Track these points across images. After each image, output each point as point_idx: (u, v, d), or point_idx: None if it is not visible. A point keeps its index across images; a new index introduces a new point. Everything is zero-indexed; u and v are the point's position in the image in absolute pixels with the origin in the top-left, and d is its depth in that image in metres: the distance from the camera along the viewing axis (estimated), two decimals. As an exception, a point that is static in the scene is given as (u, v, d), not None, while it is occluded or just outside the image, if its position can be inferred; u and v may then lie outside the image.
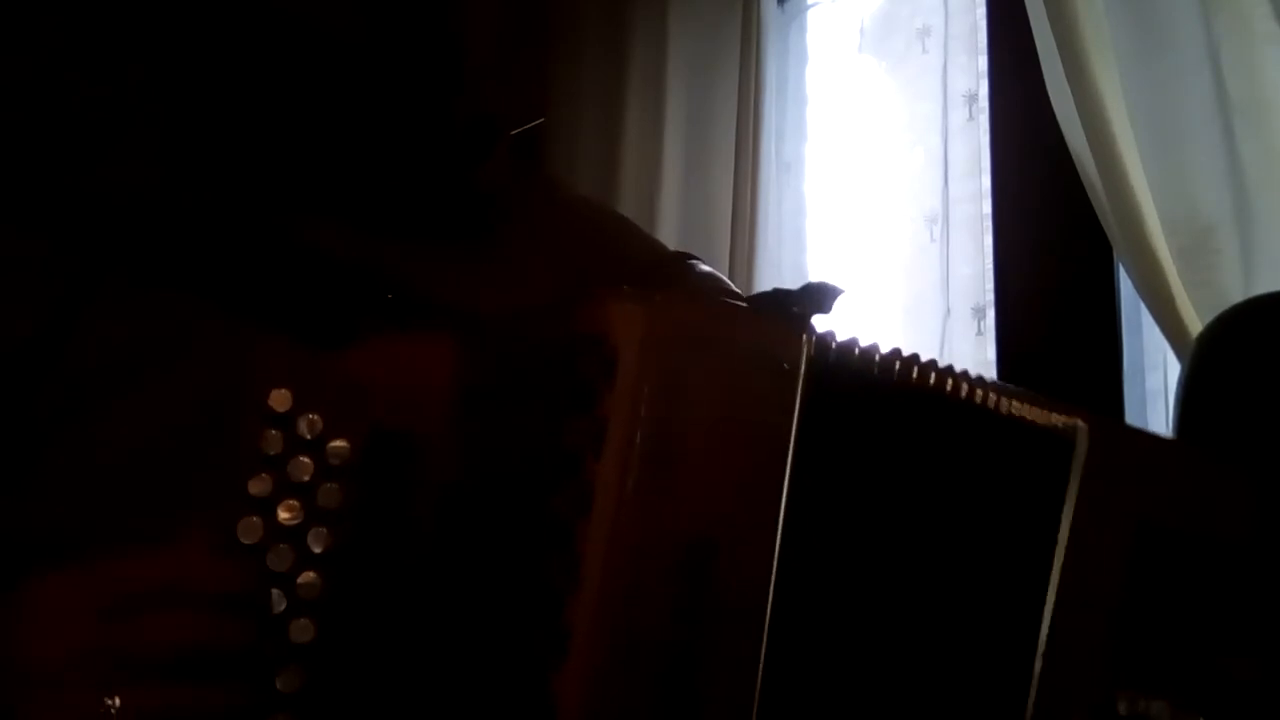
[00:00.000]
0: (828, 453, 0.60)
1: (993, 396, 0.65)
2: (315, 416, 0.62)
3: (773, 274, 2.23)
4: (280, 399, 0.62)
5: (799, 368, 0.59)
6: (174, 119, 0.77)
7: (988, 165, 2.07)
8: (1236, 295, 1.59)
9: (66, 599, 0.59)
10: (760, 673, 0.57)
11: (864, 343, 0.63)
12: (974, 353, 2.02)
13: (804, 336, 0.60)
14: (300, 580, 0.61)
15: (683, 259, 0.92)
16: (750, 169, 2.28)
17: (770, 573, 0.58)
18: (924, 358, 0.64)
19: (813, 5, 2.43)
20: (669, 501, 0.57)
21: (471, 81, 0.77)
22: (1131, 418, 1.84)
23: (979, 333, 2.03)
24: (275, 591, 0.60)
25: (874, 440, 0.63)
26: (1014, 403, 0.65)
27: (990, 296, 2.04)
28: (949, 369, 0.65)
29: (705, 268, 0.91)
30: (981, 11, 2.12)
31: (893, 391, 0.63)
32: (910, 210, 2.20)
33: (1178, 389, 1.39)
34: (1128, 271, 1.82)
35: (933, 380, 0.64)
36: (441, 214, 0.78)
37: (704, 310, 0.61)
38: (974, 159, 2.11)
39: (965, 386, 0.65)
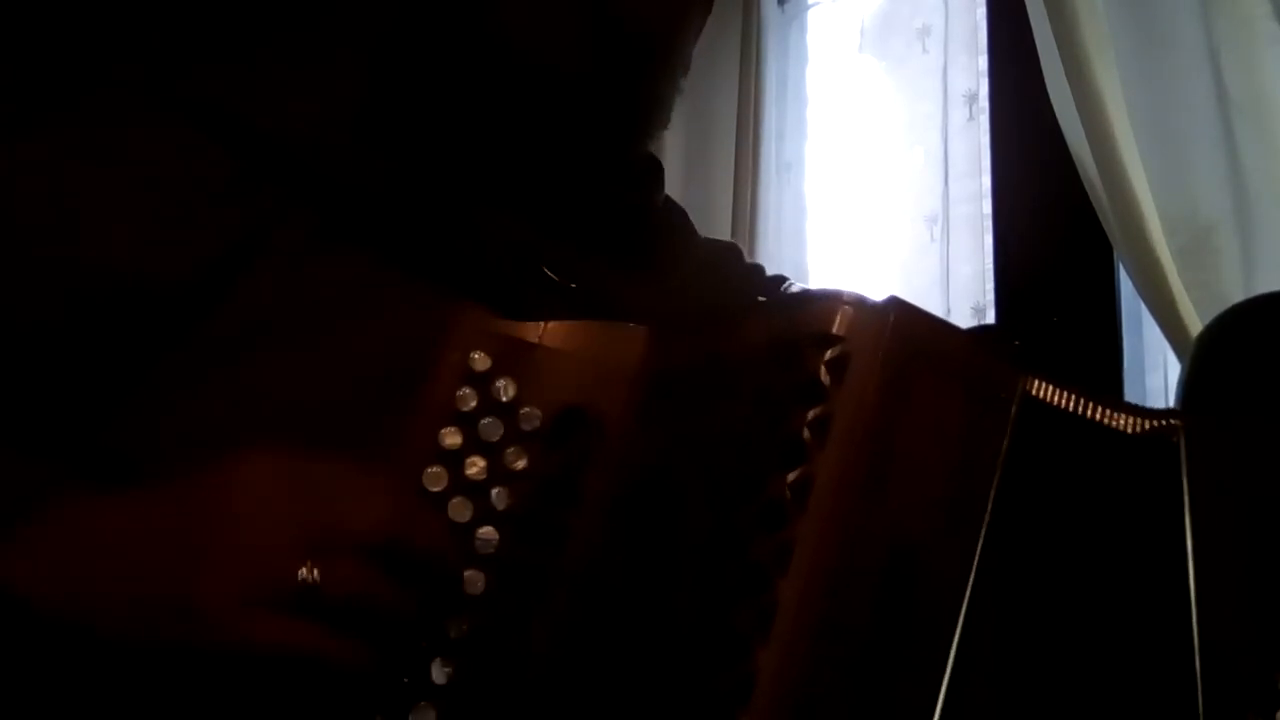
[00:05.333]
0: (1027, 479, 0.63)
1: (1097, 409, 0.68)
2: (510, 381, 0.65)
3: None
4: (479, 360, 0.65)
5: (1014, 401, 0.63)
6: (385, 93, 0.81)
7: (988, 165, 2.07)
8: (1236, 295, 1.59)
9: (272, 477, 0.60)
10: (943, 693, 0.59)
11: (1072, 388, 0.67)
12: (974, 353, 2.02)
13: (1022, 374, 0.64)
14: (480, 534, 0.63)
15: (780, 280, 0.99)
16: (750, 169, 2.29)
17: (965, 590, 0.60)
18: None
19: (813, 5, 2.43)
20: (880, 502, 0.59)
21: (651, 123, 0.84)
22: (1131, 418, 1.84)
23: (979, 333, 2.03)
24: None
25: (1066, 472, 0.66)
26: (1120, 416, 0.68)
27: (990, 296, 2.04)
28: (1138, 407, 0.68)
29: (798, 285, 0.99)
30: (981, 11, 2.13)
31: (1088, 430, 0.66)
32: (910, 210, 2.20)
33: (1178, 389, 1.39)
34: (1128, 271, 1.82)
35: (1120, 420, 0.67)
36: (619, 232, 0.84)
37: (933, 328, 0.63)
38: (974, 159, 2.11)
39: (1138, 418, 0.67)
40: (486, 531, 0.63)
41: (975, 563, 0.60)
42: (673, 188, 2.51)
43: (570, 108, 0.79)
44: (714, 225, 2.27)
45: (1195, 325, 1.66)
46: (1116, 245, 1.82)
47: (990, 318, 2.03)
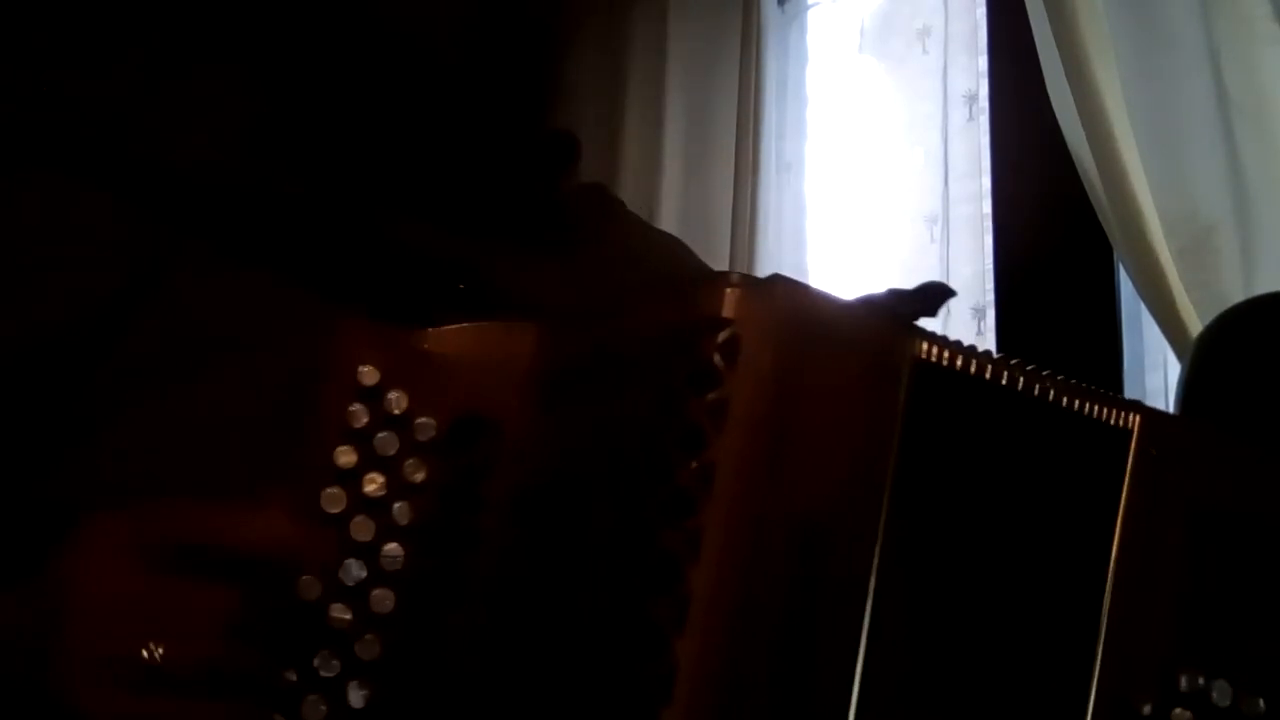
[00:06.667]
0: (927, 445, 0.63)
1: (1063, 393, 0.68)
2: (402, 393, 0.63)
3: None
4: (368, 374, 0.63)
5: (905, 365, 0.62)
6: (268, 108, 0.79)
7: (988, 165, 2.07)
8: (1236, 295, 1.59)
9: (114, 536, 0.59)
10: (860, 664, 0.59)
11: (965, 346, 0.66)
12: (974, 353, 2.02)
13: (911, 337, 0.63)
14: (385, 551, 0.62)
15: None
16: (750, 169, 2.29)
17: (873, 560, 0.60)
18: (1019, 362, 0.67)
19: (813, 5, 2.43)
20: (784, 480, 0.59)
21: (555, 100, 0.81)
22: (1131, 418, 1.84)
23: (979, 333, 2.03)
24: (354, 561, 0.61)
25: (967, 435, 0.65)
26: (1078, 399, 0.68)
27: (990, 296, 2.04)
28: (1036, 369, 0.67)
29: None
30: (981, 11, 2.13)
31: (989, 392, 0.65)
32: (910, 210, 2.20)
33: (1178, 389, 1.40)
34: (1128, 271, 1.82)
35: (1023, 381, 0.66)
36: (522, 219, 0.81)
37: (820, 302, 0.63)
38: (974, 159, 2.11)
39: (1040, 383, 0.67)
40: (391, 548, 0.62)
41: (881, 531, 0.60)
42: (673, 188, 2.53)
43: (461, 90, 0.77)
44: (714, 225, 2.27)
45: (1195, 325, 1.66)
46: (1116, 245, 1.82)
47: (990, 318, 2.03)
